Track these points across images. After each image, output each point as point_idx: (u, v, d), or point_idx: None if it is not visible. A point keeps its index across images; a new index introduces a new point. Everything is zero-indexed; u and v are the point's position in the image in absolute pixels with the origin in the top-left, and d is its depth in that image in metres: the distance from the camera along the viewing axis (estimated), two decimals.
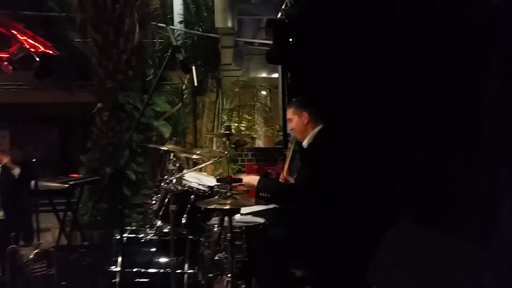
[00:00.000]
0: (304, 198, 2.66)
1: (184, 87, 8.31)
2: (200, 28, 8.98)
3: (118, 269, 2.79)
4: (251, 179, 2.74)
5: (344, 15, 3.44)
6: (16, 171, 4.43)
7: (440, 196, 2.15)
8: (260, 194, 2.67)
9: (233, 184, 2.51)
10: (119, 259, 2.80)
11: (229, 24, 7.53)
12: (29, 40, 6.40)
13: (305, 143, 2.87)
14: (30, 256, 3.48)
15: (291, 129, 2.94)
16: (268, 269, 2.58)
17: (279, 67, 8.17)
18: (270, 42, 5.50)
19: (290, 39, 4.69)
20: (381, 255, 1.52)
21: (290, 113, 2.90)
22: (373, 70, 3.03)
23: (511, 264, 1.51)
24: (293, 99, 3.08)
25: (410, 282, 1.42)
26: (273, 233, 2.74)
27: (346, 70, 3.43)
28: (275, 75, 10.41)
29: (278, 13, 6.41)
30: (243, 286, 2.69)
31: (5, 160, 4.42)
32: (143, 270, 2.87)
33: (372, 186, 2.77)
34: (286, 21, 4.86)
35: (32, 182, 3.92)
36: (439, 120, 2.30)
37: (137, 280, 2.85)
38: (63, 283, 3.54)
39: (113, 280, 2.79)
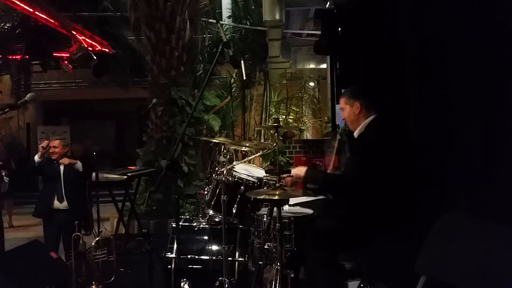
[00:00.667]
0: (351, 189, 2.64)
1: (232, 80, 8.43)
2: (248, 22, 9.04)
3: (174, 255, 2.92)
4: (299, 171, 2.73)
5: (394, 3, 3.36)
6: (79, 165, 4.70)
7: (494, 186, 2.08)
8: (308, 185, 2.68)
9: (281, 175, 2.55)
10: (175, 246, 2.93)
11: (277, 17, 7.53)
12: (87, 39, 6.72)
13: (356, 133, 2.83)
14: (92, 244, 3.69)
15: (343, 119, 2.92)
16: (316, 260, 2.60)
17: (328, 57, 8.07)
18: (318, 32, 5.45)
19: (339, 29, 4.63)
20: (431, 244, 1.51)
21: (342, 103, 2.87)
22: (425, 60, 2.95)
23: None
24: (346, 89, 3.04)
25: (460, 272, 1.40)
26: (322, 224, 2.75)
27: (396, 60, 3.36)
28: (323, 65, 10.28)
29: (327, 3, 6.32)
30: (292, 275, 2.72)
31: (67, 161, 4.69)
32: (196, 257, 2.99)
33: (423, 176, 2.72)
34: (335, 10, 4.79)
35: (93, 174, 4.15)
36: (495, 109, 2.21)
37: (191, 266, 2.98)
38: (122, 269, 3.74)
39: (169, 266, 2.94)
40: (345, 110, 2.84)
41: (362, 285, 2.83)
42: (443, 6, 2.63)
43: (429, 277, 1.47)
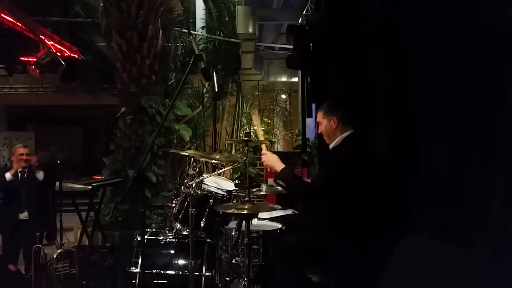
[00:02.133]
0: (314, 199, 2.71)
1: (204, 90, 8.40)
2: (221, 33, 9.06)
3: (138, 270, 2.85)
4: (276, 164, 2.75)
5: (365, 20, 3.44)
6: (40, 175, 4.56)
7: (458, 207, 2.13)
8: (278, 181, 2.71)
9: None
10: (139, 260, 2.86)
11: (250, 30, 7.58)
12: (56, 44, 6.55)
13: (331, 146, 2.87)
14: (54, 256, 3.56)
15: (320, 132, 2.94)
16: (285, 274, 2.60)
17: (299, 71, 8.17)
18: (291, 46, 5.51)
19: (311, 45, 4.70)
20: (395, 265, 1.53)
21: (319, 117, 2.90)
22: (394, 76, 3.02)
23: None
24: (323, 103, 3.06)
25: None
26: (291, 239, 2.75)
27: (366, 75, 3.43)
28: (295, 79, 10.40)
29: (299, 19, 6.42)
30: None
31: (32, 162, 4.55)
32: (162, 271, 2.92)
33: (391, 194, 2.76)
34: (307, 27, 4.87)
35: (57, 183, 4.03)
36: (460, 128, 2.27)
37: (156, 281, 2.91)
38: (84, 282, 3.62)
39: (133, 281, 2.86)
40: (322, 124, 2.87)
41: None
42: (413, 20, 2.70)
43: None
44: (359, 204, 2.63)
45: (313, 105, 5.16)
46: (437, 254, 1.44)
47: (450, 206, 2.16)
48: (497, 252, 1.66)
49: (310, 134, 7.19)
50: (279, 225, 2.97)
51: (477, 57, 2.12)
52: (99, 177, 5.25)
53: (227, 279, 2.85)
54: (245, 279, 2.55)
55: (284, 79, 11.00)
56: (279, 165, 2.75)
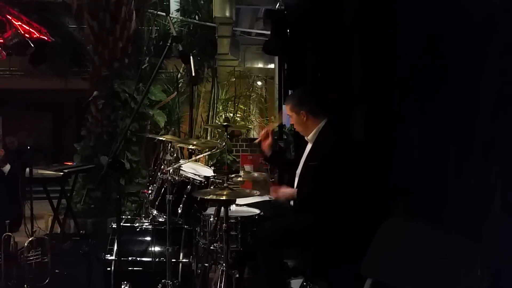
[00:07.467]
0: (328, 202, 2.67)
1: (179, 76, 8.25)
2: (197, 16, 8.89)
3: (114, 257, 2.79)
4: (287, 193, 2.76)
5: (343, 6, 3.42)
6: (7, 168, 4.39)
7: (433, 190, 2.16)
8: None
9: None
10: (115, 247, 2.80)
11: (227, 14, 7.48)
12: (23, 25, 6.30)
13: (310, 138, 2.84)
14: (25, 244, 3.46)
15: (292, 124, 2.91)
16: (267, 260, 2.58)
17: (276, 57, 8.13)
18: (268, 32, 5.46)
19: (288, 30, 4.67)
20: (376, 247, 1.54)
21: (288, 110, 2.85)
22: (371, 63, 3.02)
23: (503, 258, 1.54)
24: (290, 95, 3.02)
25: (404, 275, 1.44)
26: (268, 224, 2.74)
27: (344, 62, 3.42)
28: (271, 65, 10.35)
29: (277, 3, 6.35)
30: (237, 275, 2.70)
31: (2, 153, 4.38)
32: (138, 259, 2.88)
33: (368, 179, 2.79)
34: (285, 11, 4.83)
35: (27, 170, 3.89)
36: (435, 114, 2.30)
37: (131, 268, 2.86)
38: (57, 270, 3.54)
39: (108, 269, 2.80)
40: (292, 117, 2.85)
41: (305, 283, 2.87)
42: (392, 7, 2.70)
43: (375, 279, 1.50)
44: (342, 189, 2.63)
45: (290, 92, 5.15)
46: (417, 236, 1.46)
47: (427, 190, 2.20)
48: (475, 233, 1.70)
49: (287, 121, 7.19)
50: (257, 211, 2.96)
51: (454, 43, 2.14)
52: (71, 164, 5.12)
53: (205, 265, 2.83)
54: (223, 264, 2.53)
55: (260, 65, 10.94)
56: (288, 191, 2.75)
